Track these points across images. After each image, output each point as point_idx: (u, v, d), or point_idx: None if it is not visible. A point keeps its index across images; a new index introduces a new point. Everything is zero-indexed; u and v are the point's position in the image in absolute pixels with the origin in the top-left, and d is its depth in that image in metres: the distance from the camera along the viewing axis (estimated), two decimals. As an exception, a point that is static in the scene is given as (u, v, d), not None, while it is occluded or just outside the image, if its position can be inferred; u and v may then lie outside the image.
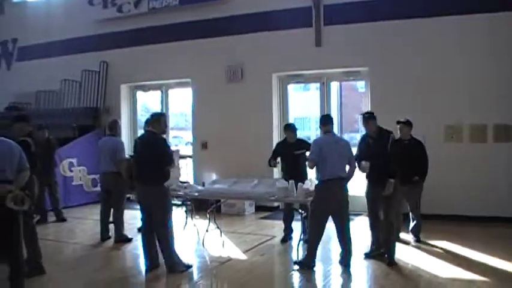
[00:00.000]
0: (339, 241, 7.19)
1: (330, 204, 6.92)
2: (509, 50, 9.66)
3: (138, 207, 7.38)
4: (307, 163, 7.21)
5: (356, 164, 7.15)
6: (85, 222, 10.66)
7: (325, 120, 7.23)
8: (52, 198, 10.75)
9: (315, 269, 6.97)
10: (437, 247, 7.94)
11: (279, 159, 8.82)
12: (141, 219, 7.34)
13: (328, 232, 9.00)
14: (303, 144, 8.39)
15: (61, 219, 10.69)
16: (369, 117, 7.35)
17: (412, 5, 10.30)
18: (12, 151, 5.36)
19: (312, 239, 7.04)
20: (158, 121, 7.00)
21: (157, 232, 6.99)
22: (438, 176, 8.79)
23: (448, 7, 9.99)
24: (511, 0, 9.62)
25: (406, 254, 7.55)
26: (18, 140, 6.04)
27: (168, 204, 6.99)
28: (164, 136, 7.23)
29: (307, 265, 6.98)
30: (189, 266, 7.04)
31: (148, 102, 16.31)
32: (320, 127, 7.29)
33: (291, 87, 12.43)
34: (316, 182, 7.14)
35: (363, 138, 7.47)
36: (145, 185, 6.97)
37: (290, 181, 7.69)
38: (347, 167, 7.05)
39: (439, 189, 9.26)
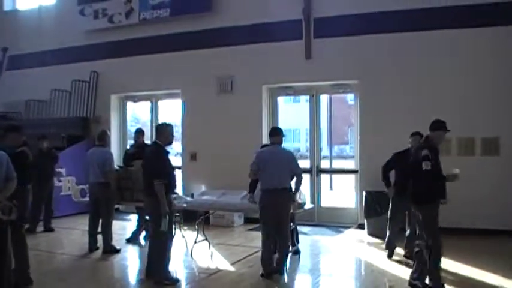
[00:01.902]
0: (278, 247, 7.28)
1: (268, 213, 7.05)
2: (497, 64, 9.80)
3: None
4: (249, 173, 7.36)
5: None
6: (73, 233, 10.60)
7: (272, 132, 7.40)
8: (46, 209, 10.70)
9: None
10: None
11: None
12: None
13: (317, 244, 9.04)
14: None
15: (49, 229, 10.63)
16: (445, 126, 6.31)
17: (402, 18, 10.38)
18: (-1, 161, 5.35)
19: (262, 247, 7.16)
20: (161, 131, 6.99)
21: (149, 242, 7.05)
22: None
23: (439, 21, 10.10)
24: (502, 15, 9.77)
25: (395, 267, 7.57)
26: (15, 150, 6.06)
27: (157, 216, 6.79)
28: (169, 147, 7.20)
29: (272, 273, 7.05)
30: (177, 280, 7.01)
31: (138, 112, 16.33)
32: (269, 139, 7.43)
33: (281, 99, 12.48)
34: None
35: (430, 151, 6.20)
36: (144, 196, 7.10)
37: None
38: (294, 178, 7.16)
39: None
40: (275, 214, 7.04)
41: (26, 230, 7.04)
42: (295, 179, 7.16)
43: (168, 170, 6.94)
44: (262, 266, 7.08)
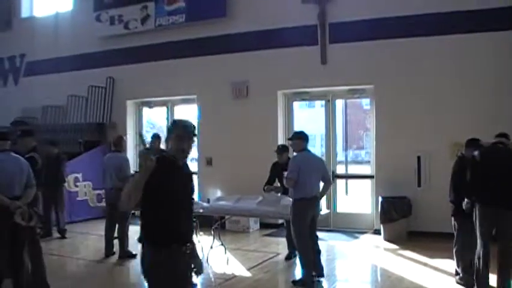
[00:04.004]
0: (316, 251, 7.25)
1: (306, 220, 6.96)
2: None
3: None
4: (286, 181, 7.21)
5: None
6: (89, 238, 10.65)
7: (301, 137, 7.23)
8: (56, 215, 10.65)
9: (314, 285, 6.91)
10: (439, 268, 7.88)
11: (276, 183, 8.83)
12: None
13: (333, 250, 9.00)
14: None
15: (63, 237, 10.58)
16: None
17: (417, 23, 10.32)
18: (21, 168, 5.42)
19: (303, 256, 7.00)
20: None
21: None
22: (443, 192, 8.72)
23: (454, 26, 10.02)
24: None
25: (413, 273, 7.52)
26: (25, 156, 6.11)
27: None
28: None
29: (306, 282, 6.90)
30: (194, 285, 7.00)
31: (153, 118, 16.37)
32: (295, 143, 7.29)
33: (296, 105, 12.46)
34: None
35: None
36: None
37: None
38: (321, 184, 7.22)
39: (444, 206, 9.22)
40: (314, 221, 7.10)
41: (40, 236, 7.11)
42: (323, 184, 7.21)
43: None
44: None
